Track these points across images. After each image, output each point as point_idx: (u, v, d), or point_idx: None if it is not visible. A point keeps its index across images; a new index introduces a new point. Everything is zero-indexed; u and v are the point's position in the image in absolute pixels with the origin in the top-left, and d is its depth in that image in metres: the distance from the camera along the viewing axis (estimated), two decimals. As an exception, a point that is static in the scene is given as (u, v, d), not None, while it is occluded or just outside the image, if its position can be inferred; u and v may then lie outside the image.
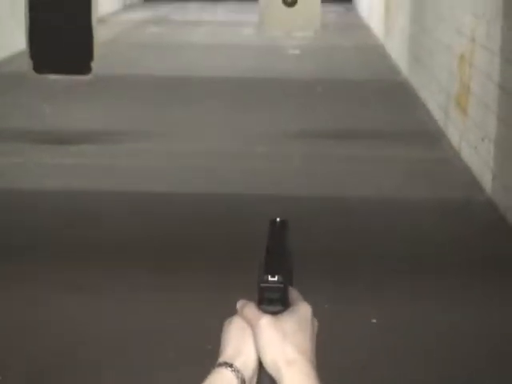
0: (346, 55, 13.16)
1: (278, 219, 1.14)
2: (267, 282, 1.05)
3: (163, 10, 20.54)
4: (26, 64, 6.99)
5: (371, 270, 4.70)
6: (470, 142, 6.76)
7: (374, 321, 4.12)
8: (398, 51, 11.93)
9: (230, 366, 1.06)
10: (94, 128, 7.85)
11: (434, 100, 8.57)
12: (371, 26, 16.19)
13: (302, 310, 1.08)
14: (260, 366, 1.06)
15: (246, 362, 1.06)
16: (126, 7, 21.01)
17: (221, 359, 1.07)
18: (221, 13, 20.35)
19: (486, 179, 6.17)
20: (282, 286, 1.06)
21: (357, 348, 3.86)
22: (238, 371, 1.06)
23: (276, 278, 1.05)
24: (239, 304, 1.09)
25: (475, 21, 6.68)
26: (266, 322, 1.05)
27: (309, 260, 4.85)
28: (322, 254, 4.90)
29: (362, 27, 17.02)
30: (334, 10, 18.79)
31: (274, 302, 1.06)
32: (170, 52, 13.35)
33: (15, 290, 4.36)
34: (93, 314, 4.14)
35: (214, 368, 1.07)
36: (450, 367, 3.75)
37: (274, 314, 1.06)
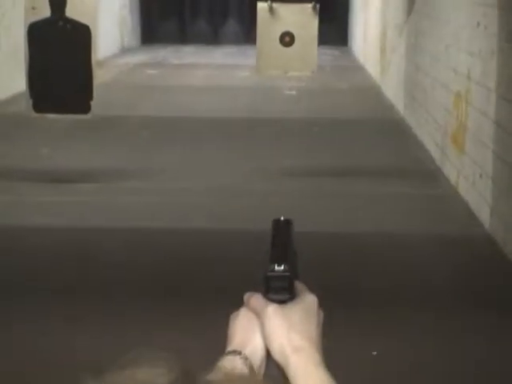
0: (342, 96, 13.27)
1: (281, 218, 1.17)
2: (274, 271, 1.07)
3: (160, 54, 20.73)
4: (26, 103, 7.06)
5: (372, 303, 4.70)
6: (468, 178, 6.80)
7: (375, 353, 4.12)
8: (393, 91, 12.04)
9: (239, 353, 1.06)
10: (91, 167, 7.88)
11: (431, 138, 8.64)
12: (367, 67, 16.35)
13: (309, 300, 1.09)
14: (268, 354, 1.07)
15: (254, 350, 1.07)
16: (124, 50, 21.20)
17: (229, 348, 1.08)
18: (217, 56, 20.54)
19: (484, 215, 6.20)
20: (288, 274, 1.07)
21: (358, 378, 3.86)
22: (246, 359, 1.06)
23: (282, 267, 1.07)
24: (246, 296, 1.11)
25: (471, 59, 6.76)
26: (272, 310, 1.06)
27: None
28: (321, 288, 4.89)
29: (357, 69, 17.17)
30: (330, 52, 18.97)
31: (281, 291, 1.07)
32: (167, 94, 13.44)
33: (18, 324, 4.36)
34: (90, 346, 4.13)
35: (221, 357, 1.07)
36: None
37: (280, 302, 1.07)
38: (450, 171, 7.51)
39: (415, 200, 6.96)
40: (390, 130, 10.20)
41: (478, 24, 6.52)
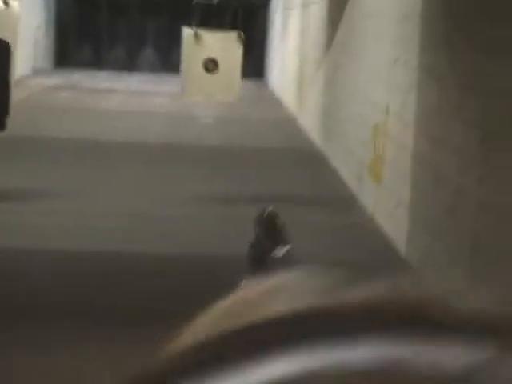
0: (258, 126, 13.43)
1: (265, 212, 1.19)
2: (275, 254, 1.08)
3: (74, 77, 20.57)
4: None
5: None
6: (385, 208, 6.99)
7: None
8: (311, 123, 12.27)
9: None
10: (1, 188, 7.76)
11: (348, 169, 8.84)
12: (284, 100, 16.60)
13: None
14: None
15: None
16: (36, 72, 20.93)
17: None
18: (133, 82, 20.51)
19: (400, 243, 6.38)
20: (292, 257, 1.09)
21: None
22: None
23: (285, 250, 1.08)
24: (244, 283, 1.11)
25: (389, 93, 6.98)
26: None
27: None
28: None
29: (274, 101, 17.42)
30: (247, 84, 19.20)
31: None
32: (81, 117, 13.36)
33: None
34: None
35: None
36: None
37: None
38: (367, 201, 7.69)
39: (332, 228, 7.09)
40: (306, 160, 10.38)
41: (398, 59, 6.75)
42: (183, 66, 7.58)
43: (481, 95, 4.83)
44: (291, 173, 9.46)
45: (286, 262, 1.10)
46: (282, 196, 8.21)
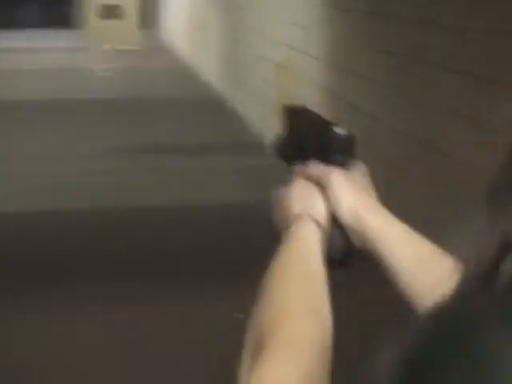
0: (157, 77, 13.19)
1: (294, 104, 1.17)
2: (335, 133, 1.05)
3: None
4: None
5: (221, 273, 4.72)
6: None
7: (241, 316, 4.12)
8: (208, 69, 12.10)
9: (309, 215, 1.00)
10: None
11: (253, 111, 8.76)
12: (180, 47, 16.33)
13: (362, 166, 1.08)
14: (331, 220, 1.02)
15: (320, 216, 1.01)
16: None
17: (292, 214, 1.01)
18: (20, 39, 19.82)
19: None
20: (352, 136, 1.06)
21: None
22: (317, 220, 1.01)
23: (344, 130, 1.05)
24: (298, 168, 1.07)
25: (294, 29, 6.90)
26: (338, 173, 1.03)
27: (147, 266, 4.82)
28: (159, 259, 4.89)
29: (170, 50, 17.12)
30: (141, 33, 18.81)
31: (345, 153, 1.05)
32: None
33: None
34: None
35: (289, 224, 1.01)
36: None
37: (341, 166, 1.05)
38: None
39: (244, 172, 7.03)
40: (208, 106, 10.25)
41: (300, -5, 6.67)
42: (84, 16, 7.31)
43: (389, 22, 4.80)
44: (197, 120, 9.33)
45: (350, 141, 1.06)
46: (193, 145, 8.10)
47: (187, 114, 9.79)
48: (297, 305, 0.84)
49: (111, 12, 6.64)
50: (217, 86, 11.33)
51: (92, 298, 4.28)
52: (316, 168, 1.05)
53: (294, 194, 1.04)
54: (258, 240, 5.22)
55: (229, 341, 3.80)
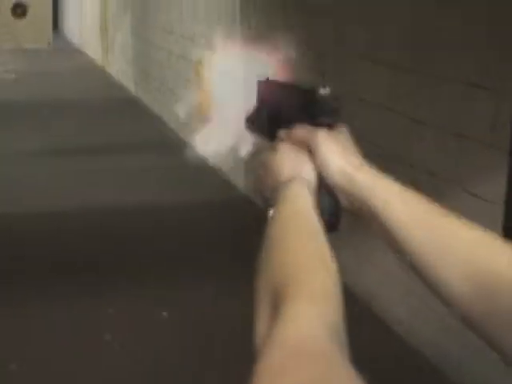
0: (64, 79, 12.98)
1: (267, 77, 1.17)
2: (321, 93, 1.02)
3: None
4: None
5: (149, 272, 4.70)
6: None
7: (165, 314, 4.14)
8: (121, 69, 11.99)
9: (299, 178, 1.00)
10: None
11: (171, 112, 8.73)
12: (86, 49, 16.12)
13: (344, 127, 1.06)
14: (319, 182, 1.02)
15: (309, 177, 1.02)
16: None
17: (282, 178, 1.01)
18: None
19: (238, 178, 6.40)
20: (338, 95, 1.03)
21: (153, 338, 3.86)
22: (307, 182, 1.00)
23: (328, 89, 1.03)
24: (283, 132, 1.06)
25: (210, 25, 6.90)
26: (324, 134, 1.03)
27: (83, 267, 4.78)
28: (96, 265, 4.84)
29: (74, 51, 16.88)
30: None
31: (332, 113, 1.03)
32: None
33: None
34: None
35: (279, 186, 0.99)
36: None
37: (328, 127, 1.03)
38: (198, 140, 7.63)
39: (166, 171, 7.01)
40: (123, 108, 10.16)
41: (215, -8, 6.68)
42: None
43: (308, 14, 4.86)
44: (111, 122, 9.24)
45: (334, 100, 1.04)
46: (112, 145, 8.02)
47: (100, 114, 9.68)
48: (309, 259, 0.83)
49: (22, 10, 6.53)
50: (130, 86, 11.23)
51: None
52: (302, 130, 1.04)
53: (281, 158, 1.04)
54: (180, 240, 5.27)
55: (157, 339, 3.84)
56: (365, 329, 3.81)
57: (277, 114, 1.11)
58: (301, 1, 4.97)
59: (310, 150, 1.03)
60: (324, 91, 1.03)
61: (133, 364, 3.66)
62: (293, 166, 1.02)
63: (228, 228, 5.56)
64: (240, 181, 6.37)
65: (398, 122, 3.89)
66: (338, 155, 1.01)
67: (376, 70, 4.07)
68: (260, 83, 1.18)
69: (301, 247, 0.86)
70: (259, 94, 1.18)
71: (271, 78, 1.17)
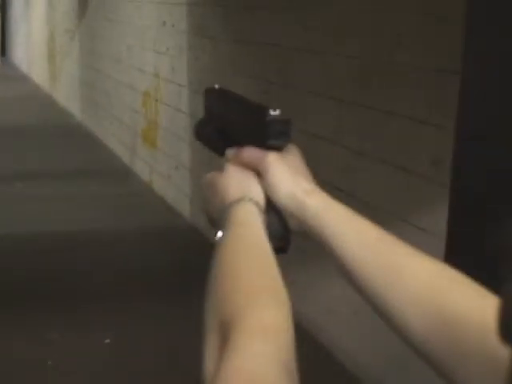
0: (10, 105, 12.86)
1: (215, 86, 1.12)
2: (271, 115, 0.99)
3: None
4: None
5: (95, 299, 4.67)
6: (163, 173, 6.97)
7: (107, 341, 4.11)
8: (68, 97, 11.93)
9: (249, 199, 0.96)
10: None
11: (117, 139, 8.71)
12: (32, 76, 16.01)
13: (294, 147, 1.04)
14: (268, 204, 0.99)
15: (257, 200, 0.98)
16: None
17: (230, 199, 0.97)
18: None
19: (184, 205, 6.40)
20: (288, 118, 1.00)
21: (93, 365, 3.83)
22: (257, 204, 0.97)
23: (278, 112, 0.99)
24: (230, 152, 1.03)
25: (158, 57, 6.93)
26: (274, 157, 1.00)
27: (27, 293, 4.73)
28: (41, 291, 4.79)
29: (21, 78, 16.75)
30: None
31: (282, 136, 1.00)
32: None
33: None
34: None
35: (227, 207, 0.96)
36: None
37: (277, 149, 1.01)
38: (143, 169, 7.64)
39: (112, 199, 6.98)
40: (68, 135, 10.11)
41: (164, 23, 6.71)
42: None
43: (256, 48, 4.92)
44: (56, 148, 9.17)
45: (287, 123, 1.01)
46: (54, 171, 7.97)
47: (45, 141, 9.61)
48: (261, 289, 0.80)
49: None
50: (76, 114, 11.18)
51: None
52: (251, 152, 1.01)
53: (229, 179, 1.00)
54: (126, 267, 5.24)
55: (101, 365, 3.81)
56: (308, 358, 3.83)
57: (225, 128, 1.08)
58: (249, 32, 5.03)
59: (259, 172, 1.00)
60: (274, 113, 0.99)
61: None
62: (241, 187, 0.99)
63: (173, 255, 5.55)
64: (185, 207, 6.37)
65: (342, 154, 3.95)
66: (287, 179, 0.99)
67: (323, 103, 4.13)
68: (208, 92, 1.14)
69: (252, 275, 0.83)
70: (207, 103, 1.14)
71: (220, 87, 1.13)
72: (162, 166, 7.00)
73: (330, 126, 4.06)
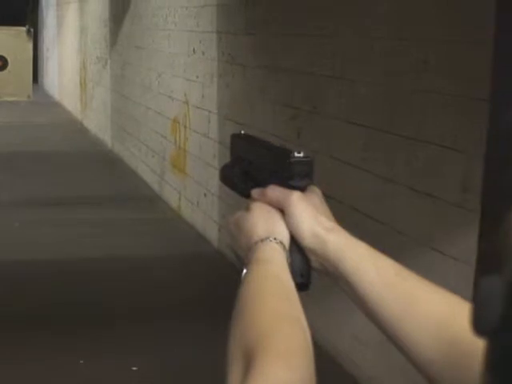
0: (42, 131, 13.01)
1: (241, 132, 1.19)
2: (295, 156, 1.05)
3: None
4: None
5: (121, 325, 4.68)
6: (191, 199, 6.99)
7: (135, 368, 4.11)
8: (99, 124, 12.04)
9: (274, 238, 1.01)
10: None
11: (146, 166, 8.76)
12: (64, 103, 16.18)
13: (316, 188, 1.08)
14: (290, 242, 1.03)
15: (282, 238, 1.02)
16: None
17: (255, 238, 1.01)
18: None
19: (212, 232, 6.41)
20: (311, 159, 1.06)
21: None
22: (282, 243, 1.01)
23: (302, 154, 1.05)
24: (256, 192, 1.07)
25: (188, 84, 6.98)
26: (297, 196, 1.04)
27: (52, 319, 4.74)
28: (66, 317, 4.80)
29: (53, 105, 16.94)
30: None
31: (305, 177, 1.06)
32: None
33: None
34: None
35: (254, 246, 1.00)
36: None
37: (301, 189, 1.05)
38: (171, 195, 7.66)
39: (140, 225, 7.01)
40: (99, 161, 10.19)
41: (194, 50, 6.77)
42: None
43: (284, 75, 4.94)
44: (88, 175, 9.24)
45: (310, 164, 1.07)
46: (85, 198, 8.02)
47: (78, 168, 9.69)
48: (281, 318, 0.84)
49: (2, 63, 6.60)
50: (107, 140, 11.27)
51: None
52: (276, 191, 1.05)
53: (255, 218, 1.04)
54: (153, 292, 5.25)
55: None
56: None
57: (249, 171, 1.13)
58: (278, 59, 5.05)
59: (283, 211, 1.04)
60: (298, 155, 1.05)
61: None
62: (266, 226, 1.03)
63: (201, 281, 5.56)
64: (213, 234, 6.38)
65: (370, 180, 3.94)
66: (310, 217, 1.03)
67: (351, 129, 4.13)
68: (234, 137, 1.20)
69: (275, 306, 0.87)
70: (233, 148, 1.20)
71: (246, 132, 1.20)
72: (191, 192, 7.02)
73: (358, 152, 4.05)
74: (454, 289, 0.95)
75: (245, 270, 0.97)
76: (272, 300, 0.88)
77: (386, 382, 3.77)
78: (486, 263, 0.49)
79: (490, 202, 0.53)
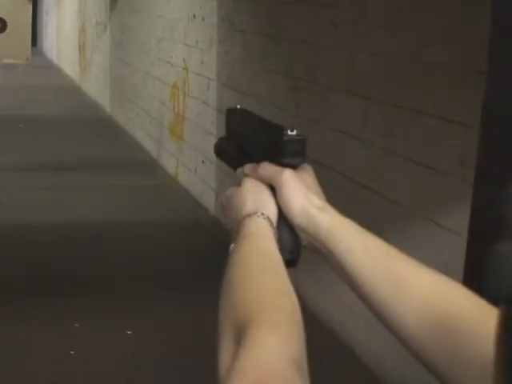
0: (40, 94, 12.98)
1: (237, 106, 1.18)
2: (289, 135, 1.04)
3: None
4: None
5: (119, 289, 4.71)
6: (189, 166, 7.00)
7: (130, 332, 4.14)
8: (97, 89, 12.01)
9: (261, 214, 1.01)
10: None
11: (145, 132, 8.75)
12: (63, 66, 16.12)
13: (308, 166, 1.08)
14: (280, 219, 1.03)
15: (271, 214, 1.03)
16: None
17: (245, 212, 1.02)
18: None
19: (209, 199, 6.42)
20: (304, 137, 1.05)
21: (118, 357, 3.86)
22: (269, 219, 1.01)
23: (295, 132, 1.05)
24: (248, 168, 1.08)
25: (187, 50, 6.96)
26: (289, 174, 1.04)
27: (52, 282, 4.77)
28: (65, 279, 4.83)
29: (52, 68, 16.88)
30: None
31: (297, 155, 1.05)
32: None
33: None
34: None
35: (242, 220, 1.01)
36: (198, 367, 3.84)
37: (293, 167, 1.06)
38: (169, 162, 7.67)
39: (138, 191, 7.02)
40: (97, 126, 10.18)
41: (194, 16, 6.73)
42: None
43: (284, 43, 4.93)
44: (85, 139, 9.24)
45: (299, 144, 1.06)
46: (80, 162, 8.03)
47: (75, 132, 9.68)
48: (271, 290, 0.85)
49: (1, 26, 6.56)
50: (105, 105, 11.24)
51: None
52: (268, 168, 1.06)
53: (244, 194, 1.05)
54: (149, 259, 5.27)
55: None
56: (330, 355, 3.84)
57: (243, 146, 1.13)
58: (279, 27, 5.03)
59: (274, 188, 1.05)
60: (291, 133, 1.04)
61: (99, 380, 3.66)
62: (255, 202, 1.04)
63: (198, 247, 5.58)
64: (210, 201, 6.39)
65: (368, 151, 3.94)
66: (301, 195, 1.03)
67: (350, 100, 4.13)
68: (229, 112, 1.20)
69: (264, 281, 0.88)
70: (228, 122, 1.20)
71: (242, 107, 1.19)
72: (189, 159, 7.02)
73: (357, 123, 4.05)
74: (447, 259, 0.97)
75: (232, 244, 0.97)
76: (262, 277, 0.89)
77: (382, 355, 3.81)
78: (503, 230, 0.50)
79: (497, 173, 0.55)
